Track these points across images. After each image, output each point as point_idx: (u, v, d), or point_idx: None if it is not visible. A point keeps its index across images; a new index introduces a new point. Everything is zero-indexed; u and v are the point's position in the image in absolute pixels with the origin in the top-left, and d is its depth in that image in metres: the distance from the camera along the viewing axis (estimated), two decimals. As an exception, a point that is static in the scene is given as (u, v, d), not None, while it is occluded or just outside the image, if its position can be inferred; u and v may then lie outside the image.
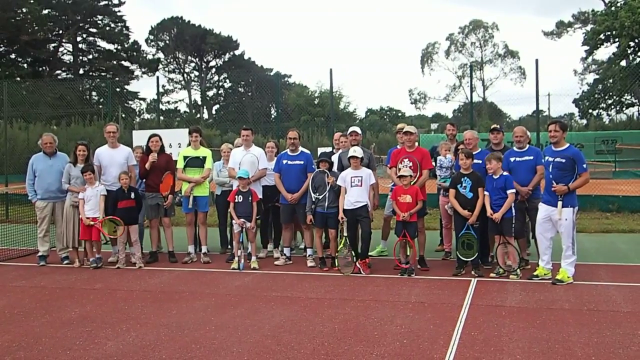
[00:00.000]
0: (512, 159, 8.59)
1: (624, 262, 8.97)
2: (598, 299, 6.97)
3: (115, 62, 57.83)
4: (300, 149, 9.60)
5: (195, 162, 9.80)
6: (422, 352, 5.34)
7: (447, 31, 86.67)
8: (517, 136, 8.72)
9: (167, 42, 68.61)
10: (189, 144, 10.11)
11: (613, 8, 43.27)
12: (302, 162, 9.39)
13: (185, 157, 9.89)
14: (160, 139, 9.94)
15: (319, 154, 10.40)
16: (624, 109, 50.25)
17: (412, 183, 8.64)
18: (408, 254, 8.52)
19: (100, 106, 38.49)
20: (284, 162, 9.45)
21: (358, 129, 9.54)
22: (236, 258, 9.17)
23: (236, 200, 9.23)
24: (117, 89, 46.84)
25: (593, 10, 51.18)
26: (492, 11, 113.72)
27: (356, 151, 8.84)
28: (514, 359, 5.13)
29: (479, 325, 6.10)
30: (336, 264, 8.82)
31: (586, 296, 7.12)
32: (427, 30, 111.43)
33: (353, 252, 8.71)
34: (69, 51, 56.98)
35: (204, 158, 9.86)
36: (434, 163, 9.37)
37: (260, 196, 9.52)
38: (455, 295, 7.27)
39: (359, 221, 8.72)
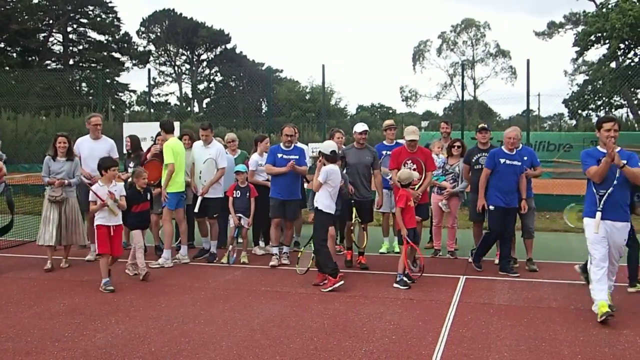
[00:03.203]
0: (501, 160, 8.34)
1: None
2: (585, 297, 7.00)
3: (105, 54, 57.42)
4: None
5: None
6: (411, 348, 5.37)
7: (439, 29, 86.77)
8: (509, 138, 8.34)
9: (159, 34, 68.14)
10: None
11: (604, 10, 43.53)
12: (297, 157, 9.07)
13: None
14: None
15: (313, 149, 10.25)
16: (613, 110, 50.58)
17: (417, 187, 8.30)
18: (416, 261, 8.17)
19: (90, 97, 38.32)
20: (279, 155, 9.06)
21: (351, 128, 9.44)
22: (228, 252, 9.13)
23: (234, 196, 9.16)
24: (108, 81, 46.79)
25: (584, 12, 51.46)
26: (484, 10, 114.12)
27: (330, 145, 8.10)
28: (501, 356, 5.18)
29: (467, 322, 6.14)
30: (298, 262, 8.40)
31: (573, 295, 7.18)
32: (420, 28, 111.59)
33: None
34: (59, 41, 56.61)
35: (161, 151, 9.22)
36: None
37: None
38: (443, 293, 7.32)
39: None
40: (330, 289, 7.42)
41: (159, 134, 9.67)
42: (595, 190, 6.35)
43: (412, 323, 6.13)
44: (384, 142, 9.86)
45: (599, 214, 6.25)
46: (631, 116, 48.76)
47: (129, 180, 8.69)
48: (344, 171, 8.67)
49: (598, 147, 6.51)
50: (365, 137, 9.07)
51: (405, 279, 7.62)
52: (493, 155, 8.43)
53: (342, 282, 7.48)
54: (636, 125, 46.13)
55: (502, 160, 8.35)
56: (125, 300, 7.06)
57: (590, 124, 47.22)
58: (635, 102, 48.49)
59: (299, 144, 9.60)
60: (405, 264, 7.66)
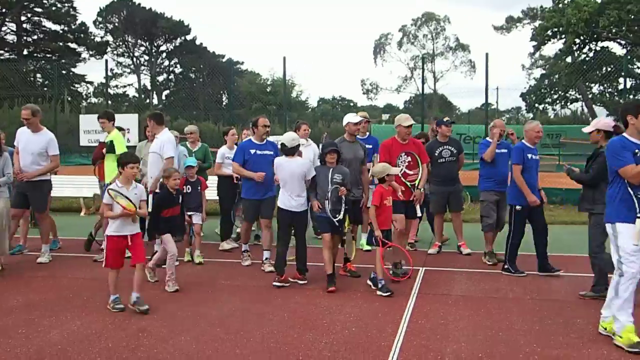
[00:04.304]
0: (529, 156, 7.88)
1: (566, 252, 9.22)
2: (541, 288, 7.18)
3: (61, 44, 56.22)
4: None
5: (107, 148, 8.92)
6: (371, 339, 5.41)
7: (400, 23, 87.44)
8: (537, 131, 7.98)
9: (117, 24, 66.91)
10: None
11: (560, 5, 44.41)
12: (272, 152, 8.28)
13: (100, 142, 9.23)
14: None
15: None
16: (568, 104, 51.84)
17: (416, 183, 7.83)
18: (401, 262, 7.70)
19: (45, 89, 37.51)
20: (252, 151, 8.27)
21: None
22: (189, 251, 8.80)
23: (185, 191, 8.41)
24: (63, 72, 45.70)
25: (541, 7, 52.46)
26: (445, 3, 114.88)
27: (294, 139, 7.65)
28: (459, 346, 5.25)
29: (426, 313, 6.21)
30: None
31: (529, 286, 7.32)
32: (381, 21, 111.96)
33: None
34: (12, 31, 54.99)
35: (110, 142, 8.87)
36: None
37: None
38: (403, 284, 7.37)
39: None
40: (278, 284, 7.31)
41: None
42: (632, 192, 5.29)
43: (372, 315, 6.17)
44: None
45: (639, 221, 5.22)
46: (586, 110, 49.96)
47: (160, 180, 7.68)
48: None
49: (625, 135, 5.44)
50: (359, 129, 8.30)
51: (383, 282, 7.02)
52: (521, 151, 7.83)
53: (287, 284, 7.32)
54: (590, 118, 47.22)
55: (529, 156, 7.89)
56: (82, 296, 6.93)
57: (547, 117, 48.37)
58: (590, 96, 49.64)
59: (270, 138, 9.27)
60: (383, 268, 7.04)
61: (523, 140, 8.07)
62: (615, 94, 45.95)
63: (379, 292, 6.96)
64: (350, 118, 8.17)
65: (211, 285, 7.41)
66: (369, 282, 7.35)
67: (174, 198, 7.32)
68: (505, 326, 5.80)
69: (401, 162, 7.84)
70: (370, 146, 9.18)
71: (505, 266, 7.96)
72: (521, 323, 5.90)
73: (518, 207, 7.84)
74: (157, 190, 7.84)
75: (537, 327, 5.79)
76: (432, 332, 5.62)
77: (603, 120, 7.04)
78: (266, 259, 8.23)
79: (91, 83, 56.25)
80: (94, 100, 52.44)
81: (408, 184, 7.80)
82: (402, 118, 7.97)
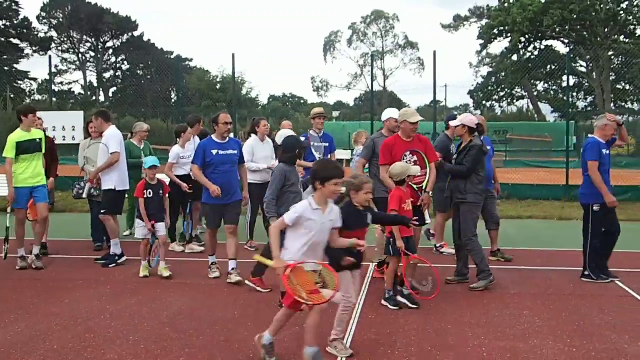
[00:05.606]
0: (604, 151, 7.32)
1: (512, 246, 9.41)
2: (488, 281, 7.30)
3: (3, 39, 54.57)
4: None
5: (35, 147, 8.18)
6: (321, 335, 5.39)
7: (349, 20, 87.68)
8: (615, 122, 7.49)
9: (61, 20, 65.27)
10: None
11: (506, 4, 45.45)
12: (236, 152, 7.64)
13: (18, 143, 7.99)
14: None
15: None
16: (514, 101, 53.22)
17: (424, 186, 7.00)
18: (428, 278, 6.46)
19: (-14, 85, 36.24)
20: (215, 152, 7.46)
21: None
22: (144, 263, 7.79)
23: (146, 196, 7.73)
24: (6, 68, 44.30)
25: (488, 6, 53.61)
26: (393, 1, 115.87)
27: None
28: (409, 340, 5.31)
29: (377, 308, 6.27)
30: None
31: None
32: (330, 18, 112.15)
33: None
34: (-49, 26, 53.26)
35: (40, 140, 8.26)
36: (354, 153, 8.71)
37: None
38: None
39: None
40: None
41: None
42: None
43: (323, 311, 6.13)
44: (311, 132, 9.19)
45: None
46: (531, 107, 51.35)
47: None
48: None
49: None
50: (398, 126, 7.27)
51: (400, 298, 6.38)
52: (597, 146, 7.24)
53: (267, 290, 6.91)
54: (536, 115, 48.59)
55: (604, 151, 7.30)
56: (26, 297, 6.73)
57: (494, 114, 49.47)
58: (535, 93, 51.00)
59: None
60: (406, 282, 6.24)
61: (595, 135, 7.43)
62: (559, 91, 47.39)
63: (383, 302, 6.37)
64: (392, 113, 7.54)
65: (160, 284, 7.29)
66: (384, 302, 6.41)
67: (361, 216, 5.29)
68: (453, 319, 5.90)
69: (406, 162, 6.84)
70: (327, 144, 9.14)
71: (586, 272, 7.37)
72: (469, 316, 6.01)
73: (596, 207, 7.28)
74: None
75: (484, 319, 5.90)
76: (383, 326, 5.67)
77: (469, 117, 7.31)
78: (232, 269, 7.32)
79: (35, 80, 54.87)
80: (38, 97, 51.11)
81: (414, 187, 6.85)
82: (409, 113, 7.01)
